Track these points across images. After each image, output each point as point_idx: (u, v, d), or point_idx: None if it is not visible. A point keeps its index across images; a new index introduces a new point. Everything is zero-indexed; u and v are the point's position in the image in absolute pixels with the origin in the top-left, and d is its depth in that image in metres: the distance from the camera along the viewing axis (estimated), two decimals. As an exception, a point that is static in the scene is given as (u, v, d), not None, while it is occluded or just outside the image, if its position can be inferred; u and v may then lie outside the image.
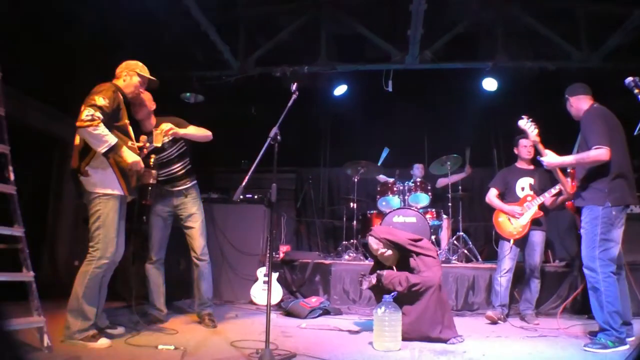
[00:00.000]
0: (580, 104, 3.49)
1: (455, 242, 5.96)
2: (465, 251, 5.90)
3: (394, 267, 3.61)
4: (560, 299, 4.81)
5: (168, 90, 4.31)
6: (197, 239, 3.90)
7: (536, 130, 3.59)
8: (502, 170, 4.91)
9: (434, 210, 6.18)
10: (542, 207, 4.38)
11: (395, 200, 6.19)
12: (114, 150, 3.08)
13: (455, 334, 3.40)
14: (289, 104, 3.10)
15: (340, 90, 6.77)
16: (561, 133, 4.09)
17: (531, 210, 4.38)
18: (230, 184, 6.60)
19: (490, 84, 6.30)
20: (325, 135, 7.92)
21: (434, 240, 5.77)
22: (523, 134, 4.42)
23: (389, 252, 3.59)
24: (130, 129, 3.40)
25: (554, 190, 4.21)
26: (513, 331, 3.93)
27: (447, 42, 5.70)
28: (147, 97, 3.76)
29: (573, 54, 5.55)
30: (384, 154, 6.56)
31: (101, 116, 3.02)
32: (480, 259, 5.91)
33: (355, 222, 6.24)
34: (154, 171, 3.55)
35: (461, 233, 6.00)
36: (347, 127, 7.51)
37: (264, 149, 2.96)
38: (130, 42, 5.23)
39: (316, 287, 5.40)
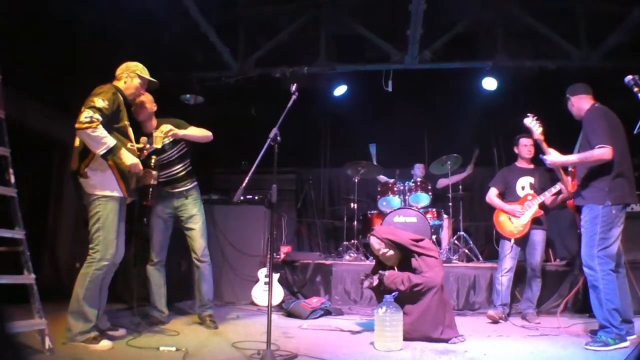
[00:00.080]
0: (581, 103, 3.51)
1: (456, 241, 5.96)
2: (466, 251, 5.91)
3: (396, 268, 3.61)
4: (561, 298, 4.80)
5: (168, 92, 4.31)
6: (198, 240, 3.90)
7: (540, 129, 3.60)
8: (502, 169, 4.92)
9: (434, 210, 6.18)
10: (542, 206, 4.39)
11: (395, 200, 6.19)
12: (112, 152, 3.07)
13: (457, 333, 3.40)
14: (289, 105, 3.11)
15: (340, 90, 6.78)
16: (561, 132, 4.09)
17: (531, 209, 4.38)
18: (230, 185, 6.61)
19: (490, 84, 6.30)
20: (325, 136, 7.91)
21: (434, 240, 5.77)
22: (523, 132, 4.44)
23: (391, 252, 3.59)
24: (130, 130, 3.40)
25: (554, 189, 4.22)
26: (514, 330, 3.93)
27: (446, 41, 5.70)
28: (148, 98, 3.76)
29: (573, 53, 5.55)
30: (373, 151, 6.56)
31: (100, 118, 3.02)
32: (481, 259, 5.92)
33: (355, 222, 6.24)
34: (154, 172, 3.56)
35: (462, 233, 6.00)
36: (347, 127, 7.51)
37: (263, 149, 2.96)
38: (130, 43, 5.23)
39: (317, 287, 5.40)
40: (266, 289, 4.94)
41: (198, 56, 6.24)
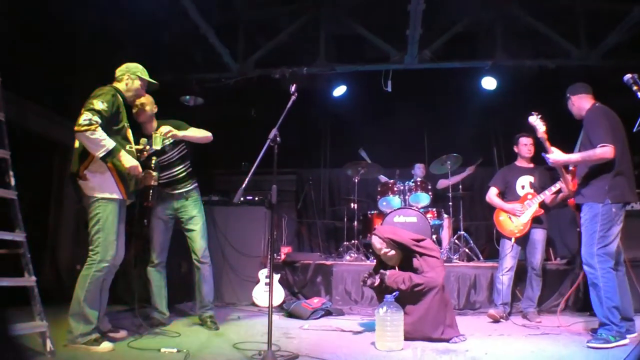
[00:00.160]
0: (582, 103, 3.52)
1: (456, 241, 5.97)
2: (467, 250, 5.90)
3: (397, 267, 3.61)
4: (562, 296, 4.79)
5: (167, 93, 4.32)
6: (198, 241, 3.90)
7: (544, 127, 3.60)
8: (502, 168, 4.92)
9: (434, 209, 6.19)
10: (542, 205, 4.39)
11: (395, 200, 6.19)
12: (112, 154, 3.07)
13: (458, 332, 3.40)
14: (289, 106, 3.11)
15: (340, 91, 6.78)
16: (561, 131, 4.09)
17: (532, 208, 4.38)
18: (230, 186, 6.62)
19: (489, 83, 6.30)
20: (325, 136, 7.92)
21: (434, 239, 5.77)
22: (523, 131, 4.44)
23: (393, 252, 3.59)
24: (129, 132, 3.40)
25: (554, 188, 4.23)
26: (515, 329, 3.93)
27: (446, 41, 5.70)
28: (149, 100, 3.76)
29: (572, 52, 5.55)
30: (364, 155, 6.57)
31: (99, 120, 3.02)
32: (481, 258, 5.92)
33: (356, 222, 6.24)
34: (154, 173, 3.56)
35: (462, 232, 6.01)
36: (346, 127, 7.52)
37: (263, 150, 2.96)
38: (129, 44, 5.24)
39: (318, 288, 5.40)
40: (267, 290, 4.95)
41: (198, 57, 6.24)
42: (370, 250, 5.64)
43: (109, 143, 3.06)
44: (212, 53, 5.82)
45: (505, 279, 4.39)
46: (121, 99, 3.31)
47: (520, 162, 4.65)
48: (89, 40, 5.15)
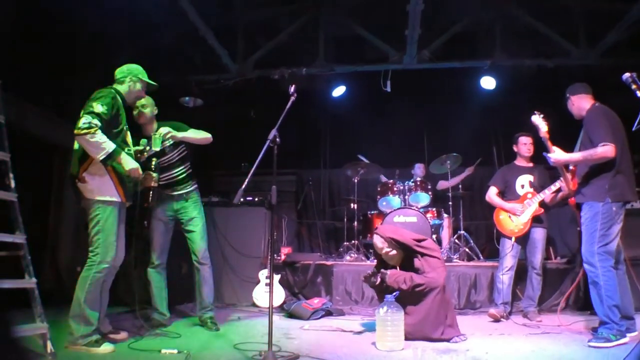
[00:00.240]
0: (581, 102, 3.53)
1: (456, 240, 5.97)
2: (467, 250, 5.91)
3: (398, 267, 3.61)
4: (562, 295, 4.80)
5: (167, 95, 4.32)
6: (198, 242, 3.90)
7: (547, 127, 3.61)
8: (502, 168, 4.92)
9: (434, 209, 6.19)
10: (542, 204, 4.39)
11: (395, 200, 6.20)
12: (112, 157, 3.07)
13: (458, 332, 3.41)
14: (288, 106, 3.11)
15: (339, 91, 6.78)
16: (560, 131, 4.09)
17: (532, 207, 4.38)
18: (230, 187, 6.62)
19: (488, 83, 6.30)
20: (324, 137, 7.93)
21: (435, 239, 5.77)
22: (522, 131, 4.44)
23: (394, 251, 3.59)
24: (128, 134, 3.40)
25: (553, 187, 4.23)
26: (516, 329, 3.93)
27: (445, 41, 5.70)
28: (149, 102, 3.77)
29: (571, 51, 5.55)
30: (363, 158, 6.58)
31: (99, 123, 3.01)
32: (481, 257, 5.92)
33: (356, 222, 6.25)
34: (154, 174, 3.56)
35: (462, 232, 6.01)
36: (346, 128, 7.52)
37: (263, 151, 2.96)
38: (129, 46, 5.24)
39: (318, 288, 5.39)
40: (267, 291, 4.94)
41: (197, 59, 6.24)
42: (371, 250, 5.66)
43: (109, 146, 3.05)
44: (211, 54, 5.82)
45: (505, 279, 4.40)
46: (121, 101, 3.30)
47: (519, 162, 4.65)
48: (88, 41, 5.15)
